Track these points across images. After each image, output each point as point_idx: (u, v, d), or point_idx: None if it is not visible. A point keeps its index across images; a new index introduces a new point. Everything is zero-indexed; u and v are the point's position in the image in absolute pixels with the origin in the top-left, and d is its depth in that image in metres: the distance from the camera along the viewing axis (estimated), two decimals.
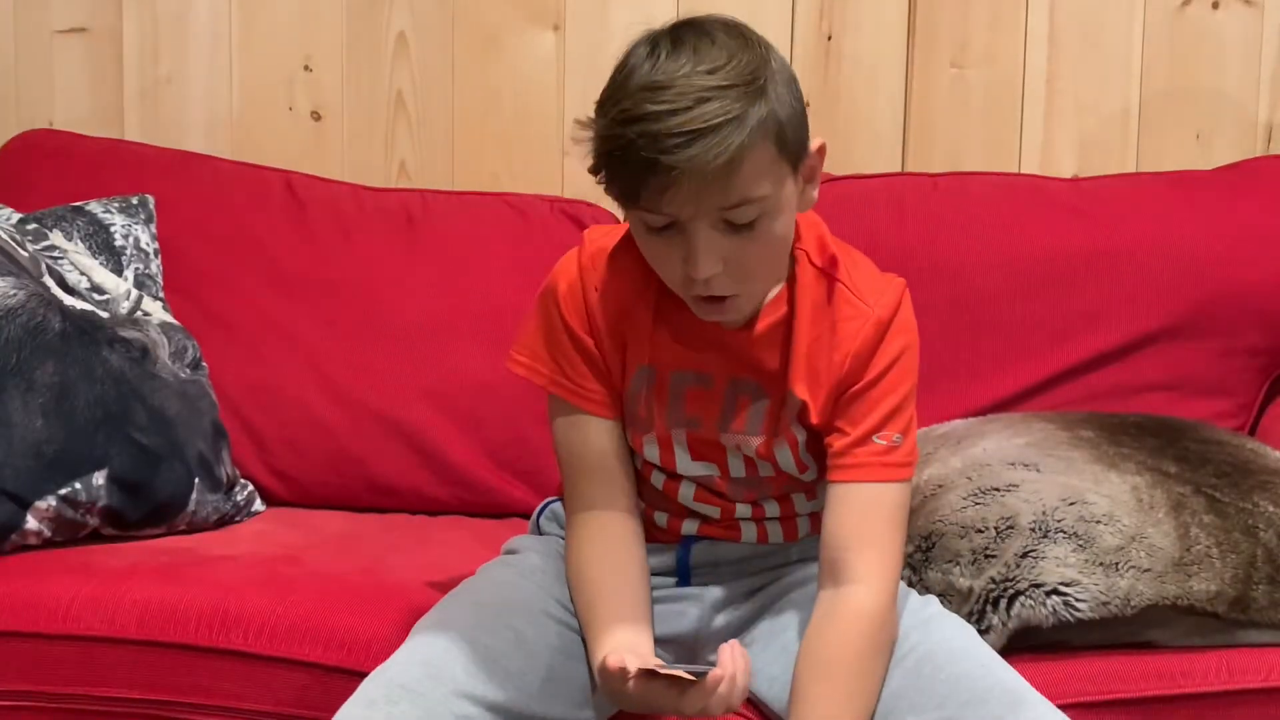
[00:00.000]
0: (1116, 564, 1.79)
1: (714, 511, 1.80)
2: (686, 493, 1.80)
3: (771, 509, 1.81)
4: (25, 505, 2.09)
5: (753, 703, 1.75)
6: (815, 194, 1.66)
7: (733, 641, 1.59)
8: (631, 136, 1.51)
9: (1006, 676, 1.63)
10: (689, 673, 1.54)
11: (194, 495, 2.23)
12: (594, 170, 1.59)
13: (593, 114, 1.59)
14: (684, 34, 1.57)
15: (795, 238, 1.70)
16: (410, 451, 2.40)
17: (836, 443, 1.70)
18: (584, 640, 1.70)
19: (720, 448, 1.76)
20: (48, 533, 2.12)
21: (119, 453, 2.16)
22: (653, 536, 1.81)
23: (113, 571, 2.00)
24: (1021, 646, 1.81)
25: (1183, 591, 1.79)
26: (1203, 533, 1.84)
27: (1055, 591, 1.78)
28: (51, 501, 2.10)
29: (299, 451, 2.41)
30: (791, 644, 1.71)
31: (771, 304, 1.71)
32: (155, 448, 2.20)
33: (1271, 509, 1.88)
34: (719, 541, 1.82)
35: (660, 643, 1.74)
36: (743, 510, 1.80)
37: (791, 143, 1.58)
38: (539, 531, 1.93)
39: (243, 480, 2.37)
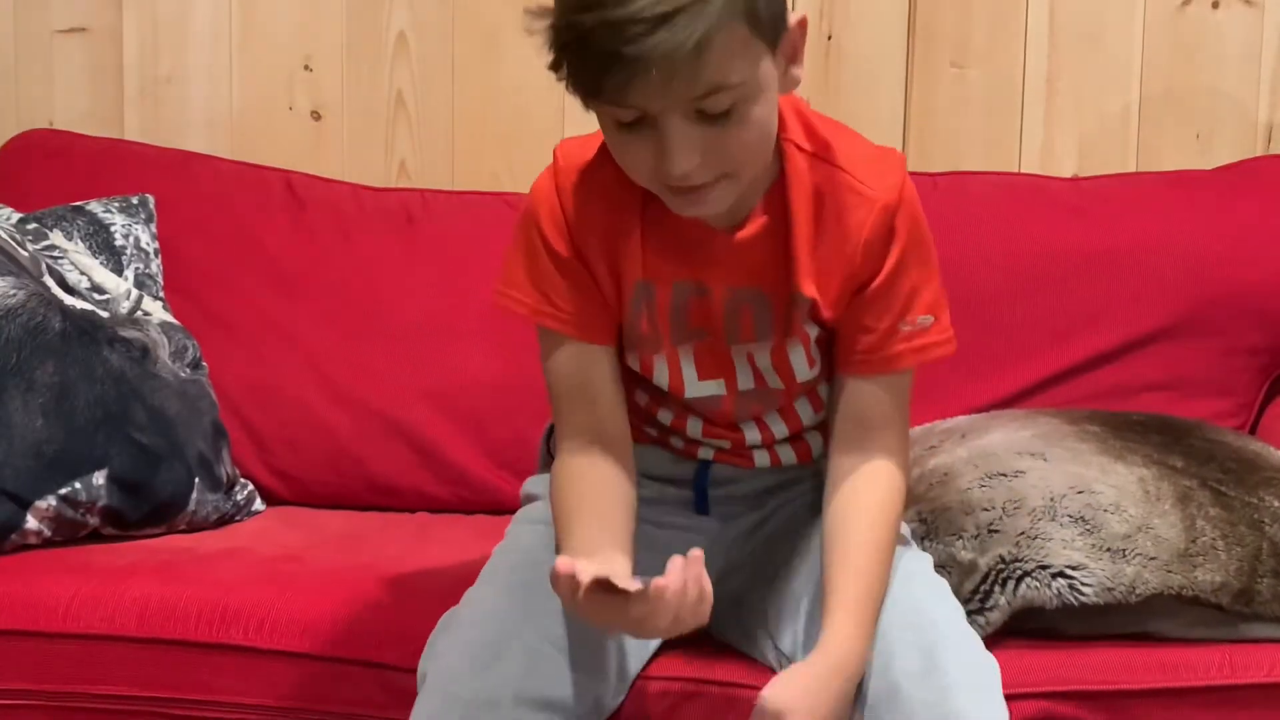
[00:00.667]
0: (1124, 551, 1.79)
1: (724, 444, 1.76)
2: (694, 428, 1.75)
3: (778, 428, 1.76)
4: (25, 505, 2.09)
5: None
6: (799, 73, 1.54)
7: (694, 551, 1.49)
8: (590, 25, 1.40)
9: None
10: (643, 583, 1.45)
11: (194, 495, 2.23)
12: (553, 66, 1.47)
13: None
14: None
15: (780, 126, 1.59)
16: (410, 451, 2.40)
17: (862, 340, 1.64)
18: None
19: (728, 360, 1.68)
20: (48, 532, 2.12)
21: (119, 452, 2.16)
22: (668, 456, 1.78)
23: (113, 570, 2.00)
24: (1019, 629, 1.81)
25: (1188, 582, 1.79)
26: (1208, 525, 1.84)
27: (1062, 574, 1.78)
28: (51, 501, 2.10)
29: (299, 451, 2.41)
30: (792, 590, 1.71)
31: (762, 202, 1.62)
32: (155, 447, 2.20)
33: (1277, 504, 1.88)
34: (735, 467, 1.77)
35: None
36: (752, 437, 1.75)
37: (765, 19, 1.46)
38: (550, 456, 1.83)
39: (243, 480, 2.36)
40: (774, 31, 1.48)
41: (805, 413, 1.77)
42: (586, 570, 1.45)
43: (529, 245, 1.67)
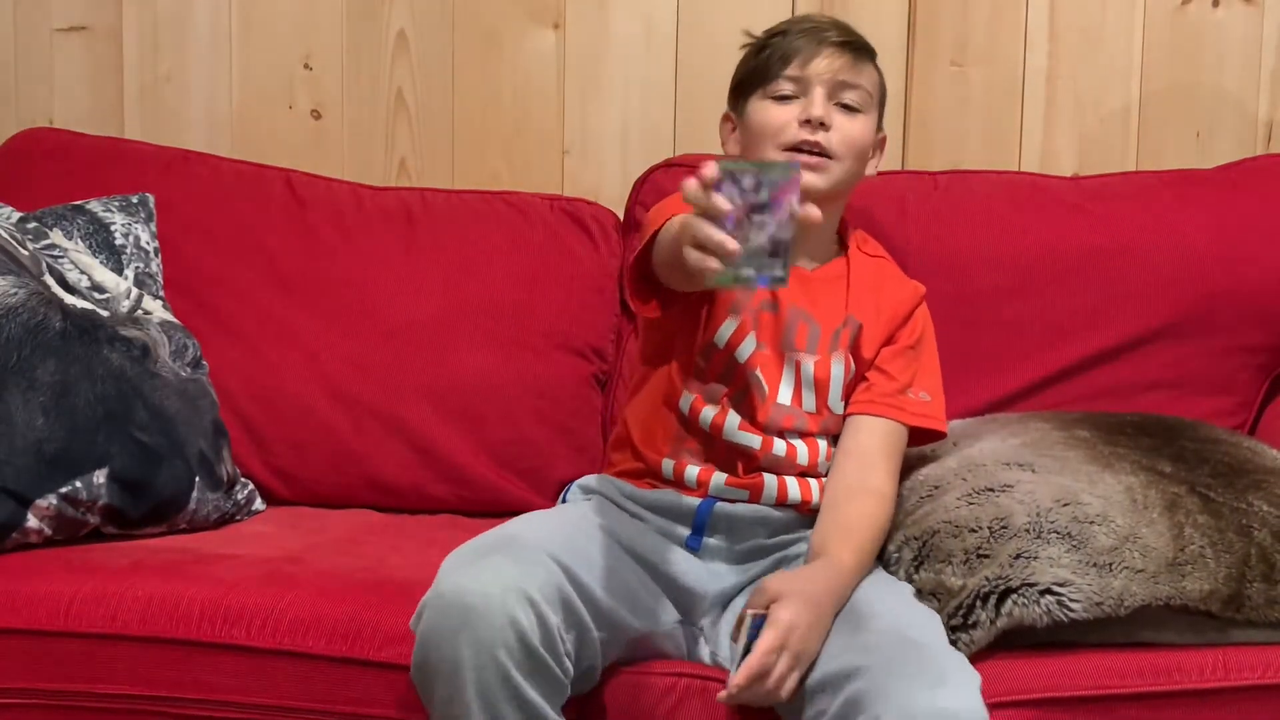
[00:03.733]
0: (1110, 564, 1.79)
1: (754, 441, 1.98)
2: (732, 423, 1.98)
3: (801, 452, 2.00)
4: (26, 504, 2.09)
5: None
6: (877, 166, 2.12)
7: None
8: (796, 29, 2.04)
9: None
10: None
11: (194, 494, 2.23)
12: (739, 73, 2.09)
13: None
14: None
15: (848, 228, 2.14)
16: (410, 450, 2.39)
17: (882, 384, 2.03)
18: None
19: (777, 370, 2.01)
20: (49, 531, 2.12)
21: (119, 451, 2.16)
22: (679, 490, 1.98)
23: (114, 569, 2.01)
24: (1015, 645, 1.81)
25: (1176, 591, 1.79)
26: (1196, 532, 1.84)
27: (1049, 591, 1.78)
28: (52, 500, 2.10)
29: (299, 450, 2.41)
30: None
31: (831, 264, 2.09)
32: (156, 446, 2.19)
33: (1265, 508, 1.88)
34: (738, 504, 1.97)
35: (674, 587, 1.91)
36: (778, 445, 1.99)
37: (881, 103, 2.09)
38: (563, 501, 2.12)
39: (243, 479, 2.36)
40: (881, 112, 2.10)
41: (820, 452, 2.02)
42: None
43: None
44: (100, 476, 2.14)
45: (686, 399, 2.00)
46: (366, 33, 2.68)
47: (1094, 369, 2.36)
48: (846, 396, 2.04)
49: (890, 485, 1.99)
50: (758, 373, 1.99)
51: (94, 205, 2.43)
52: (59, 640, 1.91)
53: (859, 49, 2.05)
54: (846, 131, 2.02)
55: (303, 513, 2.37)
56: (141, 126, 2.72)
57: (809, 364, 2.02)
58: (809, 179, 1.94)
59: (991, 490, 1.91)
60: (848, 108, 2.03)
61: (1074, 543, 1.81)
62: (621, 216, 2.53)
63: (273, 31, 2.70)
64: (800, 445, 2.01)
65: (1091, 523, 1.83)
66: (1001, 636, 1.80)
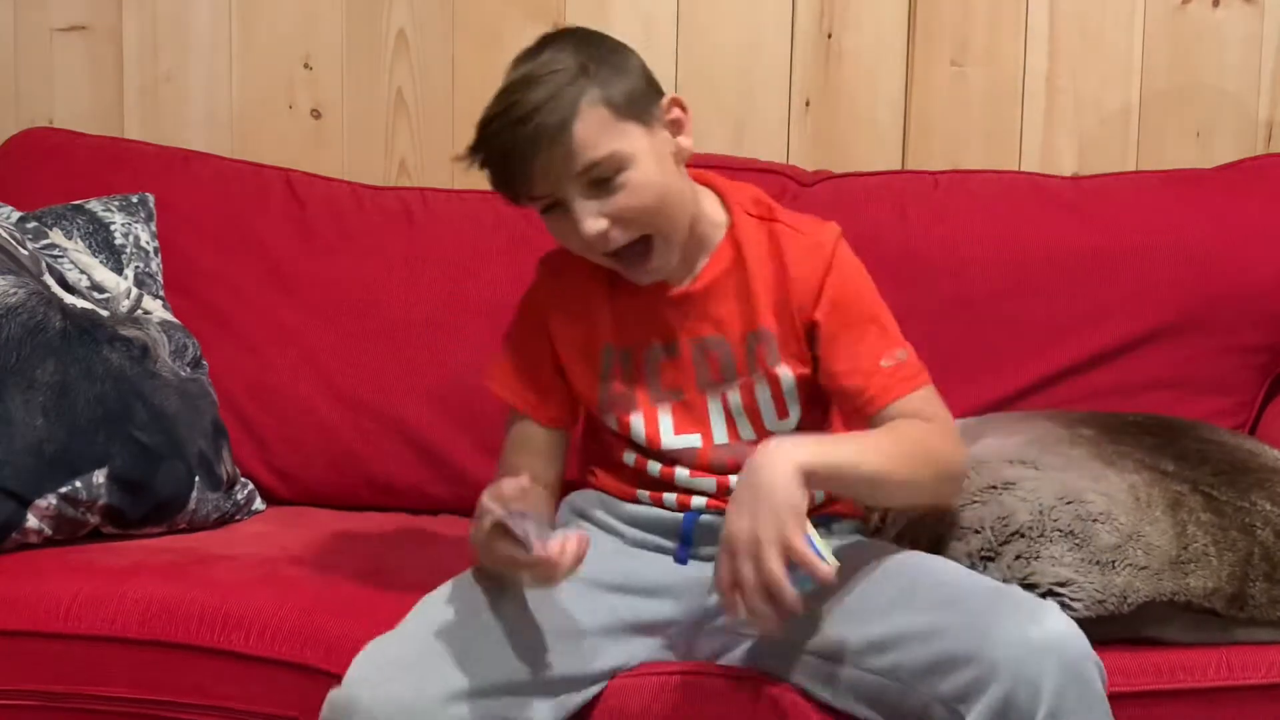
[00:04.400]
0: (1113, 562, 1.79)
1: (709, 485, 1.86)
2: (682, 474, 1.86)
3: None
4: (26, 504, 2.09)
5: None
6: (689, 144, 1.83)
7: (579, 534, 1.65)
8: (483, 138, 1.76)
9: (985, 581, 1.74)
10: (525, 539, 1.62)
11: (194, 494, 2.23)
12: (484, 169, 1.79)
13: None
14: (546, 42, 1.82)
15: (724, 194, 1.89)
16: (410, 450, 2.40)
17: (847, 384, 1.82)
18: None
19: (704, 414, 1.86)
20: (48, 531, 2.12)
21: (119, 451, 2.16)
22: (658, 511, 1.89)
23: (113, 570, 2.01)
24: None
25: (1179, 588, 1.79)
26: (1200, 530, 1.84)
27: (1051, 591, 1.78)
28: (52, 500, 2.11)
29: (299, 450, 2.41)
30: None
31: (714, 258, 1.86)
32: (155, 446, 2.20)
33: (1269, 507, 1.88)
34: (721, 515, 1.81)
35: (659, 627, 1.83)
36: (735, 479, 1.80)
37: (622, 102, 1.75)
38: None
39: (243, 479, 2.37)
40: (638, 110, 1.78)
41: None
42: (509, 500, 1.65)
43: (515, 328, 1.95)
44: (100, 476, 2.14)
45: (628, 455, 1.89)
46: (366, 33, 2.68)
47: (1094, 369, 2.36)
48: (784, 409, 1.87)
49: (932, 418, 1.81)
50: (675, 444, 1.86)
51: (94, 205, 2.43)
52: (57, 642, 1.91)
53: (547, 122, 1.71)
54: (622, 212, 1.75)
55: (302, 513, 2.37)
56: (141, 126, 2.71)
57: (734, 395, 1.86)
58: (656, 271, 1.81)
59: (994, 487, 1.90)
60: (604, 181, 1.75)
61: (1077, 541, 1.81)
62: None
63: (273, 31, 2.69)
64: None
65: (1095, 520, 1.83)
66: None
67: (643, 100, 1.79)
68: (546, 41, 1.82)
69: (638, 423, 1.86)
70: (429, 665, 1.66)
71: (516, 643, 1.71)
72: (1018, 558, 1.81)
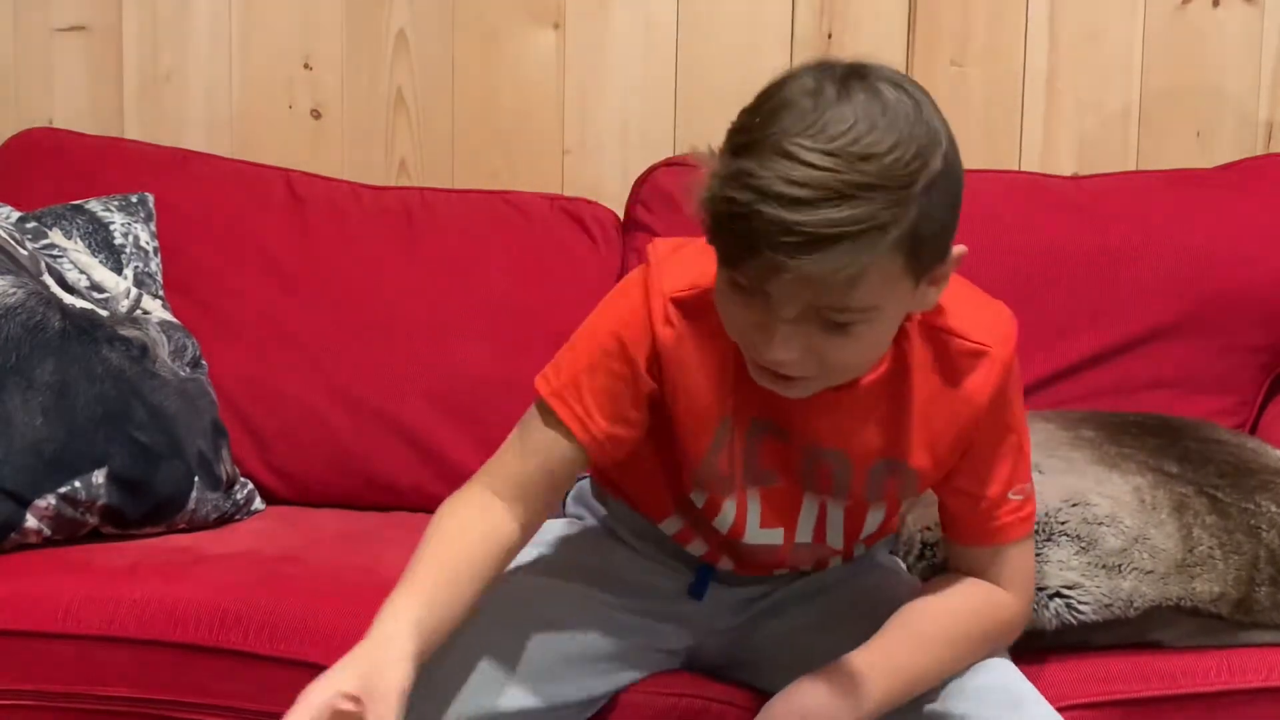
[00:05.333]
0: (1119, 566, 1.79)
1: (776, 537, 1.68)
2: (726, 564, 1.72)
3: (807, 565, 1.76)
4: (25, 504, 2.09)
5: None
6: (936, 297, 1.46)
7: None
8: (746, 210, 1.32)
9: (1013, 677, 1.63)
10: None
11: (194, 494, 2.23)
12: (699, 209, 1.38)
13: (722, 140, 1.39)
14: (853, 87, 1.35)
15: None
16: (410, 449, 2.39)
17: (964, 506, 1.61)
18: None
19: (794, 509, 1.63)
20: (48, 531, 2.12)
21: (119, 451, 2.16)
22: (680, 553, 1.74)
23: (113, 570, 2.00)
24: (1026, 649, 1.80)
25: (1186, 593, 1.79)
26: (1205, 534, 1.83)
27: (1058, 595, 1.78)
28: (51, 500, 2.10)
29: (299, 450, 2.41)
30: (802, 637, 1.71)
31: (874, 370, 1.53)
32: (155, 446, 2.19)
33: (1274, 509, 1.88)
34: (744, 576, 1.75)
35: (673, 618, 1.74)
36: (780, 570, 1.74)
37: (926, 257, 1.38)
38: (564, 515, 1.86)
39: (242, 479, 2.36)
40: (929, 267, 1.41)
41: (836, 559, 1.75)
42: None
43: (598, 344, 1.57)
44: (99, 476, 2.14)
45: (700, 495, 1.64)
46: (366, 33, 2.68)
47: (1094, 368, 2.36)
48: (887, 527, 1.68)
49: (1012, 589, 1.62)
50: (758, 539, 1.64)
51: (93, 205, 2.43)
52: (56, 642, 1.90)
53: (841, 264, 1.31)
54: (825, 357, 1.42)
55: (302, 512, 2.37)
56: (141, 126, 2.71)
57: (837, 510, 1.63)
58: (789, 395, 1.48)
59: None
60: (832, 323, 1.39)
61: (1083, 544, 1.81)
62: (621, 216, 2.52)
63: (273, 31, 2.69)
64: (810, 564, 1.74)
65: (1100, 524, 1.83)
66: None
67: (942, 249, 1.41)
68: (871, 92, 1.35)
69: (729, 511, 1.62)
70: (434, 694, 1.60)
71: (524, 670, 1.64)
72: None
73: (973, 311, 1.57)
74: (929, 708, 1.59)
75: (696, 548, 1.72)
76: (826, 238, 1.30)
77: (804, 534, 1.64)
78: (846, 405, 1.54)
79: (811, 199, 1.30)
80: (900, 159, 1.32)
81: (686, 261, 1.54)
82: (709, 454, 1.58)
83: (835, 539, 1.65)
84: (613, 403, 1.56)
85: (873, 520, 1.65)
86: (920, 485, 1.61)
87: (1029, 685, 1.63)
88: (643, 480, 1.68)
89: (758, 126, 1.35)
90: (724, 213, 1.34)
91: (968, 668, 1.60)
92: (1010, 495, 1.59)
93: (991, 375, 1.55)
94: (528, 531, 1.60)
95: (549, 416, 1.58)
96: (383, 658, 1.45)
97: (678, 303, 1.54)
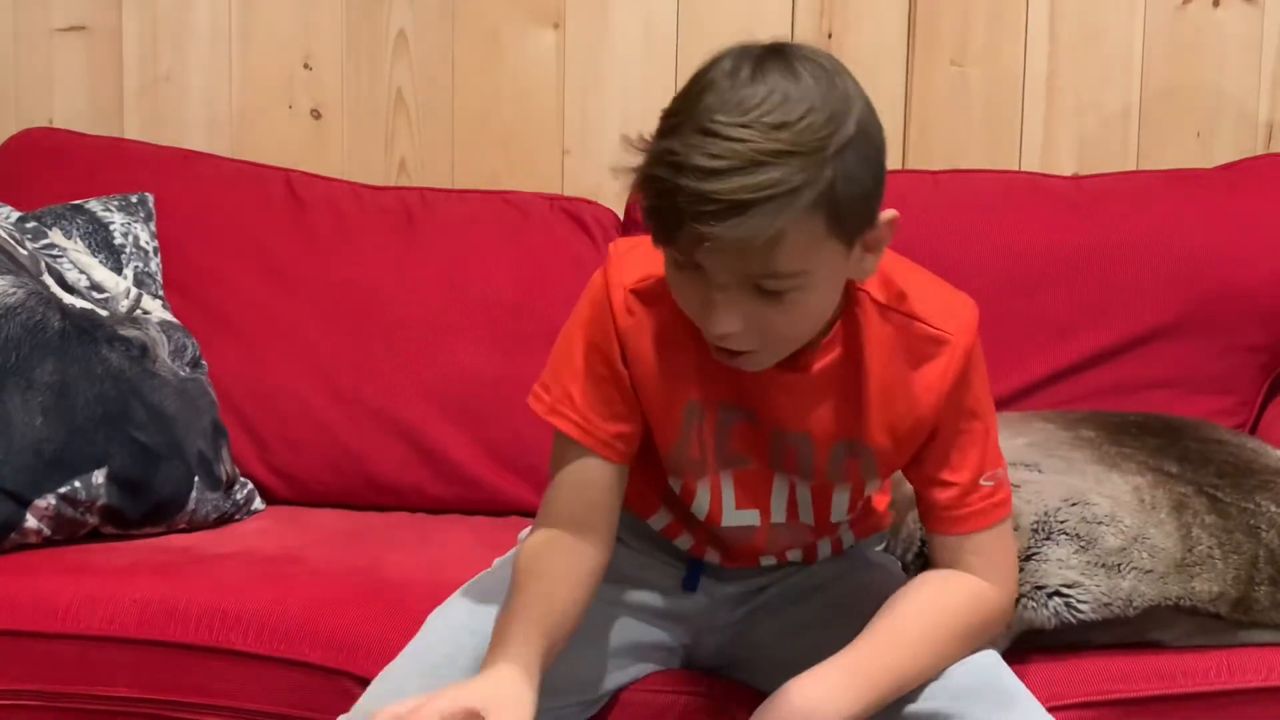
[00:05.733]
0: (1119, 565, 1.79)
1: (752, 518, 1.71)
2: (712, 556, 1.75)
3: (794, 555, 1.77)
4: (25, 504, 2.09)
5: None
6: (874, 264, 1.51)
7: None
8: (670, 185, 1.39)
9: (1003, 676, 1.63)
10: None
11: (194, 494, 2.23)
12: (636, 192, 1.45)
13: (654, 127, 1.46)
14: (768, 64, 1.43)
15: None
16: (410, 449, 2.39)
17: (940, 495, 1.63)
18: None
19: (767, 490, 1.67)
20: (47, 531, 2.12)
21: (118, 451, 2.16)
22: (670, 548, 1.77)
23: (112, 570, 2.00)
24: (1026, 648, 1.81)
25: (1185, 592, 1.79)
26: (1204, 533, 1.83)
27: (1057, 593, 1.78)
28: (51, 500, 2.10)
29: (299, 450, 2.41)
30: (799, 635, 1.71)
31: (823, 347, 1.58)
32: (155, 446, 2.19)
33: (1273, 509, 1.88)
34: (733, 570, 1.77)
35: (668, 618, 1.76)
36: (768, 563, 1.76)
37: (848, 219, 1.43)
38: None
39: (242, 479, 2.36)
40: (855, 229, 1.45)
41: (824, 550, 1.78)
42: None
43: (577, 351, 1.63)
44: (99, 476, 2.14)
45: (675, 481, 1.69)
46: (366, 33, 2.68)
47: (1094, 368, 2.36)
48: (855, 507, 1.70)
49: (992, 579, 1.63)
50: (734, 521, 1.68)
51: (93, 205, 2.43)
52: (56, 642, 1.90)
53: (761, 226, 1.37)
54: (766, 326, 1.47)
55: (302, 512, 2.37)
56: (141, 126, 2.71)
57: (804, 489, 1.67)
58: (744, 368, 1.55)
59: None
60: (768, 292, 1.44)
61: (1082, 543, 1.81)
62: (621, 216, 2.52)
63: (273, 31, 2.69)
64: (795, 553, 1.77)
65: (1100, 523, 1.82)
66: (1011, 641, 1.80)
67: (865, 214, 1.46)
68: (785, 67, 1.43)
69: (703, 496, 1.66)
70: (454, 672, 1.59)
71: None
72: (1028, 558, 1.80)
73: (935, 298, 1.62)
74: (919, 707, 1.59)
75: (684, 541, 1.75)
76: (742, 204, 1.37)
77: (778, 514, 1.68)
78: (806, 388, 1.59)
79: (726, 169, 1.37)
80: (812, 124, 1.39)
81: (643, 254, 1.59)
82: (680, 438, 1.63)
83: (807, 516, 1.69)
84: (606, 403, 1.61)
85: (839, 500, 1.68)
86: (881, 467, 1.64)
87: (1019, 684, 1.64)
88: (630, 476, 1.70)
89: (682, 110, 1.43)
90: (651, 191, 1.42)
91: (957, 663, 1.61)
92: (982, 482, 1.62)
93: (952, 362, 1.59)
94: (604, 551, 1.64)
95: (558, 436, 1.64)
96: (503, 688, 1.48)
97: (636, 293, 1.60)
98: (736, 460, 1.65)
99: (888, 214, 1.49)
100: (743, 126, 1.38)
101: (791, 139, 1.38)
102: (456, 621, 1.69)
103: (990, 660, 1.65)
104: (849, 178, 1.41)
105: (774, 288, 1.44)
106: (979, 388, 1.63)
